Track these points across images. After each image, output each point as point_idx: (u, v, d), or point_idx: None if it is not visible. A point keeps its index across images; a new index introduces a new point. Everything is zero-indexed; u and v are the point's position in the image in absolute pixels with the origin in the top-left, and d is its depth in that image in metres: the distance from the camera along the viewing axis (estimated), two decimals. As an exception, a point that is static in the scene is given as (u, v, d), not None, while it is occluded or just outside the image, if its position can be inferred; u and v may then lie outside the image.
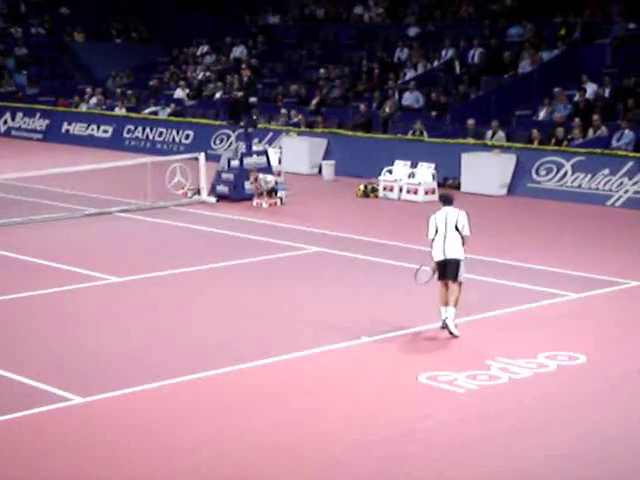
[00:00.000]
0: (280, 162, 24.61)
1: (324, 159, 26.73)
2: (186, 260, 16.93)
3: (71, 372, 11.56)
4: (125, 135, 32.13)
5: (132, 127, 32.08)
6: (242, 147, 23.34)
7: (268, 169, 23.08)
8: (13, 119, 35.16)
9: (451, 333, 12.75)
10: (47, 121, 34.31)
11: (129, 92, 35.07)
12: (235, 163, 23.07)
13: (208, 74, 35.04)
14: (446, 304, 12.81)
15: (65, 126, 33.77)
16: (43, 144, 33.22)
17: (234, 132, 26.92)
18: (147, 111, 33.19)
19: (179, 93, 34.27)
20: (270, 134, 28.14)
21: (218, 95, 33.21)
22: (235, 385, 11.30)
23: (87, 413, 10.43)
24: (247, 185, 22.66)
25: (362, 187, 23.60)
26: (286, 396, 10.97)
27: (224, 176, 23.09)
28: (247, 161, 22.95)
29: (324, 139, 27.25)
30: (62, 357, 12.11)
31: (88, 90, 35.70)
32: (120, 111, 33.55)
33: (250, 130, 23.34)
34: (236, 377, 11.49)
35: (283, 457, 9.39)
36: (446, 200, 13.18)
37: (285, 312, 14.14)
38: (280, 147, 25.85)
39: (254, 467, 9.19)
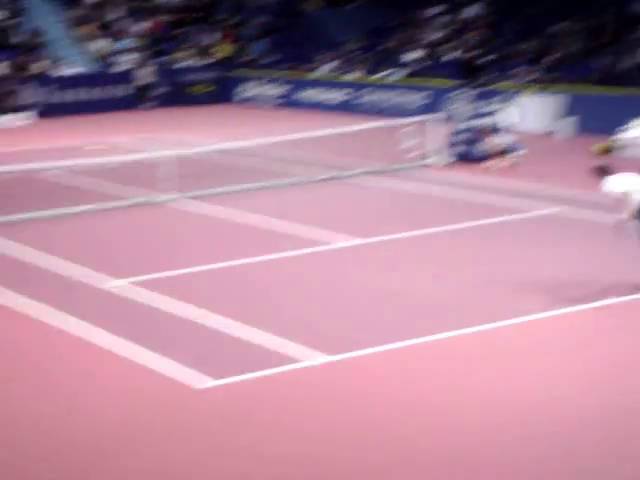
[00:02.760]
0: (515, 121, 24.15)
1: (561, 117, 26.04)
2: (420, 223, 16.93)
3: (316, 332, 11.79)
4: (358, 99, 32.42)
5: (365, 91, 32.33)
6: (476, 107, 23.07)
7: (502, 129, 22.72)
8: (253, 87, 36.19)
9: None
10: (284, 88, 35.11)
11: (363, 56, 35.34)
12: (469, 124, 22.85)
13: (442, 34, 34.79)
14: None
15: (301, 92, 34.45)
16: (280, 110, 34.03)
17: (468, 92, 26.63)
18: (381, 74, 33.35)
19: (413, 55, 34.22)
20: (505, 93, 27.65)
21: (452, 55, 32.93)
22: (484, 346, 11.23)
23: (332, 371, 10.63)
24: (481, 146, 22.41)
25: (601, 145, 22.82)
26: (530, 357, 10.83)
27: (457, 138, 22.92)
28: (481, 122, 22.68)
29: (561, 96, 26.53)
30: (306, 317, 12.38)
31: (323, 56, 36.24)
32: (354, 75, 33.88)
33: (484, 90, 23.02)
34: (481, 338, 11.42)
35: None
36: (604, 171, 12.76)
37: (520, 275, 13.91)
38: (515, 106, 25.36)
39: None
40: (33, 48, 35.40)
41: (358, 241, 15.89)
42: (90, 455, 8.90)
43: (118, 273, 14.41)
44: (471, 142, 22.54)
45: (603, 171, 12.96)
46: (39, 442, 9.19)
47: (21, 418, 9.76)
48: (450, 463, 8.51)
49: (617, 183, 12.75)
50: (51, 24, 37.07)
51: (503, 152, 22.03)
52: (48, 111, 33.41)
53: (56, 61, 35.27)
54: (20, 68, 34.37)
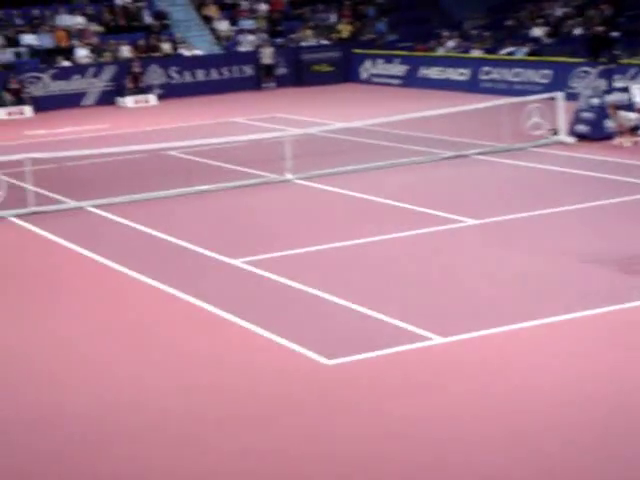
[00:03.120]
0: (643, 98, 23.50)
1: (692, 93, 25.21)
2: (544, 202, 16.63)
3: (431, 312, 11.73)
4: (481, 77, 32.02)
5: (489, 69, 31.91)
6: (603, 84, 22.54)
7: (630, 106, 22.12)
8: (374, 66, 36.08)
9: None
10: (405, 66, 34.91)
11: (486, 33, 34.88)
12: (595, 101, 22.33)
13: (567, 10, 34.07)
14: None
15: (423, 71, 34.20)
16: (402, 89, 33.85)
17: (594, 69, 26.04)
18: (504, 52, 32.85)
19: (537, 31, 33.60)
20: (633, 70, 26.92)
21: (577, 31, 32.22)
22: (607, 329, 11.00)
23: (447, 353, 10.57)
24: (608, 123, 21.88)
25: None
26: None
27: (583, 115, 22.43)
28: (608, 98, 22.13)
29: (692, 72, 25.72)
30: (421, 297, 12.32)
31: (445, 34, 35.92)
32: (477, 53, 33.45)
33: (611, 66, 22.47)
34: (604, 320, 11.19)
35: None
36: None
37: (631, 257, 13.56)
38: (643, 83, 24.68)
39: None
40: (157, 30, 35.96)
41: (481, 220, 15.70)
42: (254, 419, 9.04)
43: (243, 252, 14.55)
44: (599, 119, 22.01)
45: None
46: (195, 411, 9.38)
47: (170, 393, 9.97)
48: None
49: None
50: (175, 6, 37.58)
51: (632, 129, 21.46)
52: (171, 92, 33.94)
53: (180, 42, 35.76)
54: (145, 50, 34.96)
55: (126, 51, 34.69)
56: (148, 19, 36.65)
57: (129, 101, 32.96)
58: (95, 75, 33.53)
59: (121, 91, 33.32)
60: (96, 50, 34.52)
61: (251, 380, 10.12)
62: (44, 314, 12.63)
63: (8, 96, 31.60)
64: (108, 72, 33.67)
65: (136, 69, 33.42)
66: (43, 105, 32.06)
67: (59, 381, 10.43)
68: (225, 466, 8.39)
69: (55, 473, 8.50)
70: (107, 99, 33.34)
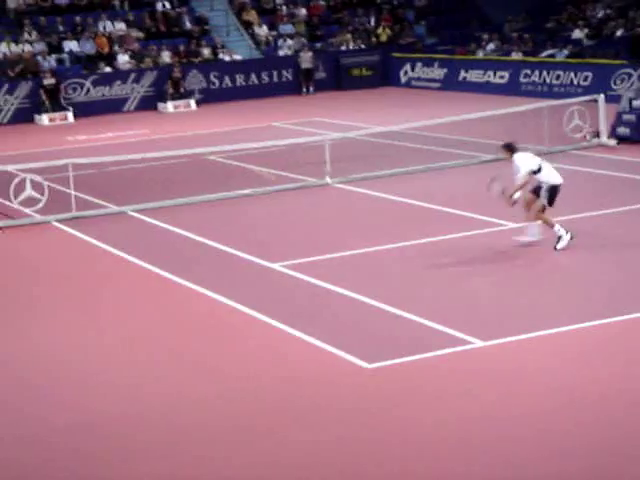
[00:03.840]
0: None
1: None
2: (585, 204, 16.53)
3: (472, 317, 11.69)
4: (521, 80, 31.86)
5: (529, 71, 31.74)
6: (645, 86, 22.37)
7: (673, 108, 21.97)
8: (413, 69, 36.02)
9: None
10: (445, 70, 34.81)
11: (526, 36, 34.71)
12: (638, 103, 22.15)
13: (609, 11, 33.82)
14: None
15: (462, 74, 34.09)
16: (441, 93, 33.76)
17: (636, 71, 25.84)
18: (544, 54, 32.67)
19: (577, 33, 33.41)
20: (675, 71, 26.71)
21: (619, 33, 31.99)
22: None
23: (487, 357, 10.53)
24: (651, 126, 21.71)
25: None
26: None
27: (625, 117, 22.25)
28: (650, 101, 21.97)
29: None
30: (463, 302, 12.28)
31: (485, 36, 35.78)
32: (517, 56, 33.30)
33: (653, 68, 22.30)
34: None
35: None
36: (514, 149, 14.28)
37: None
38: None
39: None
40: (197, 36, 36.13)
41: (522, 224, 15.61)
42: (296, 425, 9.07)
43: (282, 256, 14.59)
44: (640, 122, 21.84)
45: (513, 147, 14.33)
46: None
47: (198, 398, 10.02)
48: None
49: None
50: (214, 11, 37.75)
51: (674, 131, 21.28)
52: (211, 97, 34.09)
53: (220, 48, 35.91)
54: (185, 55, 35.14)
55: (166, 57, 34.89)
56: (188, 25, 36.84)
57: (169, 106, 33.15)
58: (136, 81, 33.76)
59: (162, 96, 33.52)
60: (137, 56, 34.75)
61: (293, 384, 10.14)
62: (85, 320, 12.73)
63: (46, 100, 31.76)
64: (149, 78, 33.88)
65: (176, 74, 33.60)
66: (85, 111, 32.33)
67: (101, 386, 10.52)
68: (273, 474, 8.42)
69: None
70: (148, 104, 33.55)
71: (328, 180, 19.56)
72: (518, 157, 14.18)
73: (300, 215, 17.62)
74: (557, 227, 14.06)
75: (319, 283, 13.19)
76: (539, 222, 14.19)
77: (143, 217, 17.76)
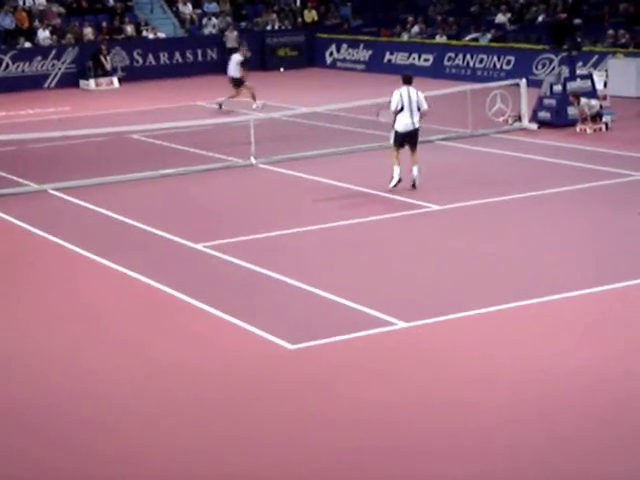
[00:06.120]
0: (606, 86, 23.69)
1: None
2: (506, 188, 16.73)
3: (394, 298, 11.77)
4: (446, 63, 32.09)
5: (453, 55, 31.97)
6: (565, 71, 22.64)
7: (593, 93, 22.29)
8: (338, 51, 36.03)
9: (414, 186, 16.26)
10: (370, 51, 34.89)
11: (450, 19, 34.93)
12: (558, 88, 22.45)
13: (530, -3, 34.20)
14: (412, 164, 16.33)
15: (387, 56, 34.20)
16: (366, 74, 33.83)
17: (557, 56, 26.18)
18: (468, 38, 32.93)
19: (500, 18, 33.71)
20: (595, 57, 27.12)
21: (541, 18, 32.37)
22: (554, 316, 11.09)
23: (409, 338, 10.61)
24: (570, 110, 22.01)
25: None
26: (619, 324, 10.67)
27: (546, 102, 22.54)
28: (570, 86, 22.26)
29: (653, 60, 25.91)
30: (384, 283, 12.35)
31: (410, 19, 35.91)
32: (441, 39, 33.51)
33: (574, 53, 22.59)
34: (556, 307, 11.28)
35: None
36: (407, 79, 16.50)
37: (608, 241, 13.67)
38: (606, 70, 24.85)
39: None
40: (121, 12, 35.67)
41: (445, 206, 15.75)
42: (222, 404, 9.03)
43: (205, 236, 14.52)
44: (561, 106, 22.13)
45: (406, 79, 16.66)
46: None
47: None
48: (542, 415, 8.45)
49: None
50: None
51: (594, 117, 21.60)
52: (134, 75, 33.70)
53: (143, 25, 35.50)
54: (108, 32, 34.67)
55: (89, 33, 34.39)
56: (111, 1, 36.34)
57: (91, 83, 32.69)
58: (57, 57, 33.23)
59: (84, 73, 33.05)
60: (58, 31, 34.19)
61: (218, 364, 10.11)
62: (3, 299, 12.54)
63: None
64: (70, 54, 33.37)
65: (100, 52, 33.14)
66: (3, 87, 31.74)
67: (11, 369, 10.39)
68: (197, 450, 8.39)
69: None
70: (69, 81, 33.05)
71: (253, 161, 19.49)
72: (397, 91, 16.27)
73: (224, 196, 17.54)
74: (397, 170, 16.17)
75: (242, 264, 13.15)
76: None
77: (64, 196, 17.53)
